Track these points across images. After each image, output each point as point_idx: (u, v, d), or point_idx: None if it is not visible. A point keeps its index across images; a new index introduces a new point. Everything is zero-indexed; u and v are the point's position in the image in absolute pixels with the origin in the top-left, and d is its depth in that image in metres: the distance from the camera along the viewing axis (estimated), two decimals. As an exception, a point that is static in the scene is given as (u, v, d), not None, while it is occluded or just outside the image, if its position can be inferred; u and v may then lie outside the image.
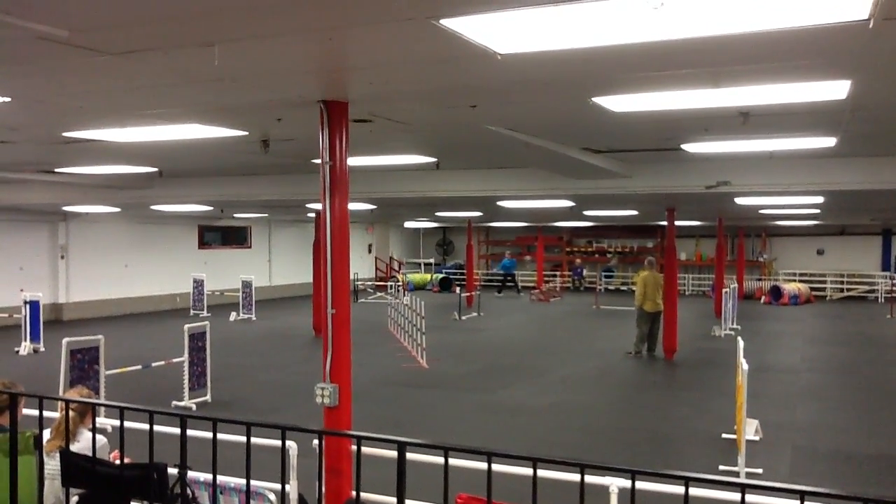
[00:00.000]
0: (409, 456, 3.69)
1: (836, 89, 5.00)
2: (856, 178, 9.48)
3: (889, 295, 27.20)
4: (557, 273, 34.04)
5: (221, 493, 4.73)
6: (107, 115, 6.34)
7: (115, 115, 6.33)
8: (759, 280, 30.11)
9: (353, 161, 6.83)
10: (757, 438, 8.62)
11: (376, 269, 34.57)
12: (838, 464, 8.15)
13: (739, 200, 12.93)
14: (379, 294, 28.24)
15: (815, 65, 4.38)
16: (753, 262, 31.16)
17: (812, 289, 28.63)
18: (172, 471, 4.09)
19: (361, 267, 31.82)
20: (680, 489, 2.95)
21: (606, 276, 32.98)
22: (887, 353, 15.57)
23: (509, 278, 31.84)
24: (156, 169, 11.76)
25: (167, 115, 6.33)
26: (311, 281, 18.89)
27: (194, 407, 10.20)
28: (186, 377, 10.33)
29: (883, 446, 8.75)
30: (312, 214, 20.00)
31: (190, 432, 4.10)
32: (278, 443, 3.80)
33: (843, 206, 16.21)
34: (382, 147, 8.51)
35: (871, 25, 3.36)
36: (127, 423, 3.92)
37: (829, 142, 7.70)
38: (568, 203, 14.82)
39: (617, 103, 5.54)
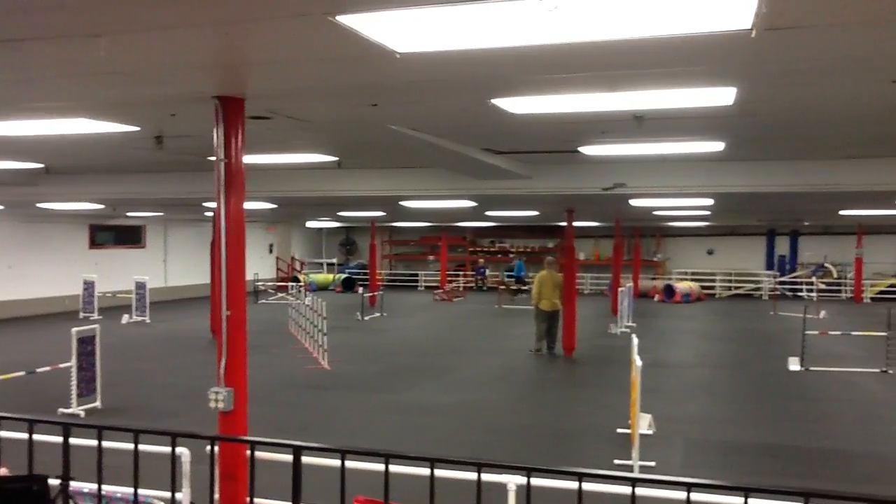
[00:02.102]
0: (307, 459, 3.64)
1: (724, 96, 5.21)
2: (742, 181, 9.93)
3: (772, 293, 28.68)
4: (461, 273, 34.33)
5: (108, 503, 4.54)
6: (-15, 107, 5.99)
7: (-5, 107, 5.98)
8: (654, 279, 31.17)
9: (251, 159, 6.70)
10: (651, 432, 8.91)
11: (277, 269, 34.00)
12: (728, 454, 8.51)
13: (634, 202, 13.34)
14: (280, 295, 27.78)
15: (703, 71, 4.55)
16: (648, 262, 32.25)
17: (703, 287, 29.85)
18: (55, 482, 3.89)
19: (262, 267, 31.21)
20: (575, 484, 3.02)
21: (509, 276, 33.47)
22: (771, 347, 16.38)
23: (519, 281, 30.58)
24: (41, 165, 11.20)
25: (53, 109, 6.03)
26: (209, 282, 18.40)
27: (83, 414, 9.78)
28: (74, 383, 9.88)
29: (767, 436, 9.19)
30: (210, 213, 19.48)
31: (75, 441, 3.93)
32: (169, 449, 3.68)
33: (731, 208, 16.96)
34: (282, 145, 8.36)
35: (753, 35, 3.51)
36: (6, 433, 3.72)
37: (718, 146, 8.04)
38: (471, 203, 14.94)
39: (515, 105, 5.61)
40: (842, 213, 18.45)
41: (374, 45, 3.72)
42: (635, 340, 8.19)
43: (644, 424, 8.79)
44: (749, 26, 3.40)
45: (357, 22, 3.39)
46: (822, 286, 27.86)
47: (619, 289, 19.72)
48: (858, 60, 4.25)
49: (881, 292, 27.84)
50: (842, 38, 3.70)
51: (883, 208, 16.52)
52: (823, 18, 3.31)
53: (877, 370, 13.06)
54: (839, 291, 29.18)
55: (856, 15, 3.25)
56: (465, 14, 3.25)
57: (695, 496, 2.84)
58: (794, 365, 13.51)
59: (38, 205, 16.25)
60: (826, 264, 30.14)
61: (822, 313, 21.65)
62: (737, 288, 31.15)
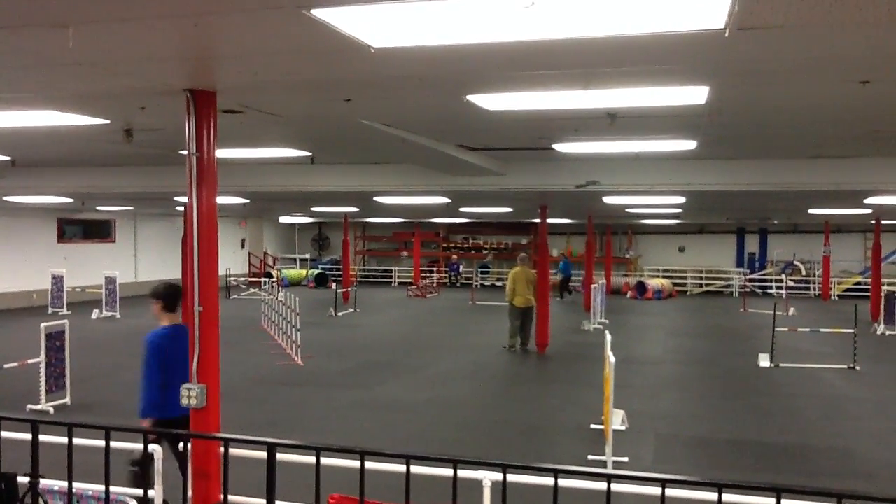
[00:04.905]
0: (281, 457, 3.61)
1: (696, 94, 5.25)
2: (713, 179, 10.03)
3: (742, 290, 29.00)
4: (434, 269, 34.32)
5: (78, 501, 4.47)
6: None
7: (-41, 98, 5.86)
8: (626, 276, 31.38)
9: (223, 153, 6.64)
10: (623, 428, 8.97)
11: (250, 264, 33.76)
12: (697, 449, 8.59)
13: (607, 199, 13.42)
14: (252, 290, 27.59)
15: (676, 70, 4.58)
16: (620, 259, 32.45)
17: (674, 284, 30.10)
18: (23, 480, 3.83)
19: (234, 262, 30.99)
20: (551, 481, 3.03)
21: (482, 272, 33.53)
22: (740, 344, 16.57)
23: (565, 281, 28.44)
24: (8, 157, 11.01)
25: (19, 100, 5.92)
26: (180, 277, 18.21)
27: (52, 410, 9.64)
28: (43, 379, 9.74)
29: (735, 431, 9.29)
30: (181, 208, 19.26)
31: (44, 438, 3.86)
32: (141, 447, 3.63)
33: (702, 206, 17.12)
34: (255, 139, 8.29)
35: (726, 34, 3.53)
36: (-30, 431, 3.65)
37: (690, 144, 8.10)
38: (444, 199, 14.94)
39: (490, 101, 5.61)
40: (810, 211, 18.70)
41: (349, 39, 3.69)
42: (608, 336, 8.23)
43: (617, 420, 8.84)
44: (722, 25, 3.43)
45: (331, 15, 3.36)
46: (791, 284, 28.23)
47: (592, 285, 19.82)
48: (827, 61, 4.31)
49: (848, 290, 28.27)
50: (812, 39, 3.74)
51: (849, 207, 16.78)
52: (794, 19, 3.34)
53: (844, 366, 13.26)
54: (808, 289, 29.60)
55: (825, 17, 3.28)
56: (441, 9, 3.24)
57: (669, 492, 2.86)
58: (764, 361, 13.67)
59: (5, 198, 15.98)
60: (795, 262, 30.55)
61: (792, 310, 21.94)
62: (707, 285, 31.47)
